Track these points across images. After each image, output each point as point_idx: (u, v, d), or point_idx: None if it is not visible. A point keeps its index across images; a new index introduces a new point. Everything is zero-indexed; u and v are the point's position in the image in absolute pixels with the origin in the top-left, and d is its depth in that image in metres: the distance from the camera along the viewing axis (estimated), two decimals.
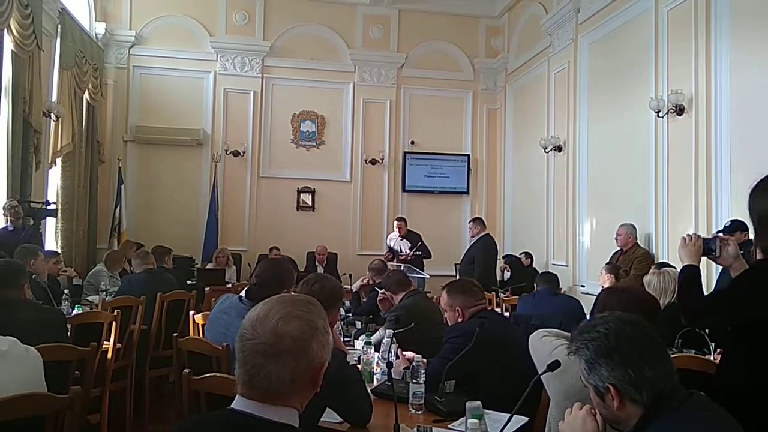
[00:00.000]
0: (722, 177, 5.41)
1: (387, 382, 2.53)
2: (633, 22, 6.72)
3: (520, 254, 8.59)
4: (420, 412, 2.46)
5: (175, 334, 3.11)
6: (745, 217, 4.85)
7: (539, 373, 1.99)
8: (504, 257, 8.90)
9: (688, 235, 2.13)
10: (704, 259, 2.15)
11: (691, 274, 2.05)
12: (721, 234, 2.14)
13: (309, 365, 1.25)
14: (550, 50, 8.52)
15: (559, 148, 8.18)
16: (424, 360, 2.68)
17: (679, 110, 5.75)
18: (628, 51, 6.78)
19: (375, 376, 3.00)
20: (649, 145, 6.28)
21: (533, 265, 8.38)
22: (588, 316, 2.07)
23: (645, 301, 2.16)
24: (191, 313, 4.09)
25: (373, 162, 9.97)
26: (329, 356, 1.31)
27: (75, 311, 4.37)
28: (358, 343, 3.68)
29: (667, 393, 1.47)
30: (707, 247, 2.09)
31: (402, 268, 6.26)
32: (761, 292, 1.81)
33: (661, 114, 5.96)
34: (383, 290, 4.22)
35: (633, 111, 6.56)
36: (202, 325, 3.66)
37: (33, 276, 4.21)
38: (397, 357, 3.06)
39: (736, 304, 1.89)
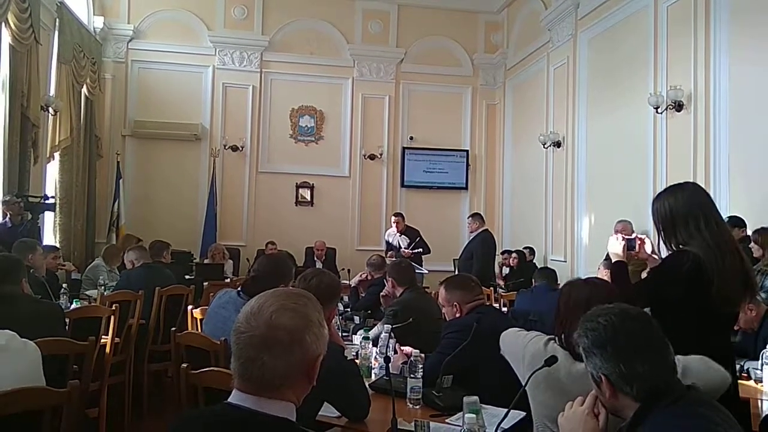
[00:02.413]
0: (720, 173, 5.41)
1: (385, 377, 2.53)
2: (632, 18, 6.71)
3: (524, 248, 8.57)
4: (418, 407, 2.47)
5: (173, 329, 3.11)
6: (743, 213, 4.88)
7: (536, 369, 2.00)
8: (503, 252, 8.91)
9: (617, 237, 2.52)
10: None
11: (620, 269, 2.43)
12: (639, 235, 2.53)
13: (303, 357, 1.25)
14: (549, 46, 8.51)
15: (557, 144, 8.19)
16: (422, 355, 2.68)
17: (678, 106, 5.76)
18: (627, 47, 6.78)
19: (373, 371, 3.00)
20: (647, 140, 6.29)
21: (533, 261, 8.39)
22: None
23: (606, 292, 2.18)
24: (189, 307, 4.09)
25: (372, 157, 9.97)
26: (324, 349, 1.31)
27: (73, 305, 4.38)
28: (357, 338, 3.68)
29: (661, 389, 1.48)
30: (630, 245, 2.49)
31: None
32: (666, 277, 2.25)
33: (659, 110, 5.97)
34: (388, 279, 4.22)
35: (632, 107, 6.56)
36: (201, 320, 3.66)
37: (31, 270, 4.21)
38: (395, 352, 3.06)
39: (652, 288, 2.31)
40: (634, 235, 2.52)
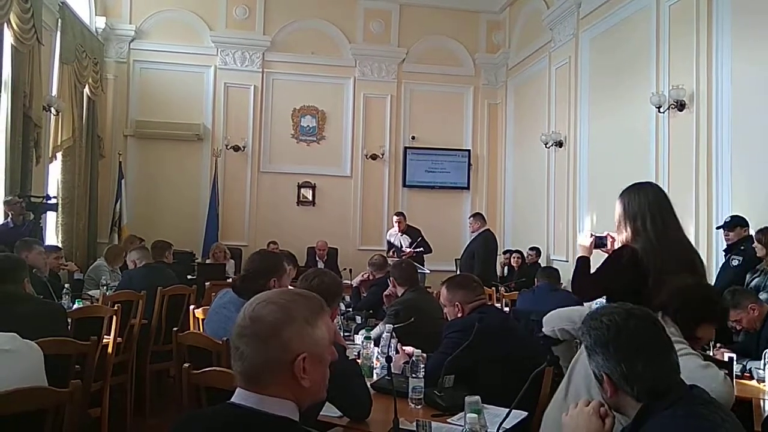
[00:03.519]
0: (723, 172, 5.40)
1: (386, 377, 2.53)
2: (634, 18, 6.70)
3: (530, 249, 8.52)
4: (419, 407, 2.47)
5: (175, 329, 3.11)
6: (746, 213, 4.87)
7: (538, 368, 2.00)
8: (505, 252, 8.91)
9: (585, 233, 2.71)
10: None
11: (583, 263, 2.62)
12: (611, 233, 2.62)
13: (281, 352, 1.24)
14: (551, 45, 8.50)
15: (559, 144, 8.18)
16: (424, 355, 2.68)
17: (680, 106, 5.75)
18: (629, 46, 6.77)
19: (375, 371, 3.00)
20: (649, 140, 6.28)
21: (537, 262, 8.36)
22: None
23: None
24: (191, 307, 4.10)
25: (374, 157, 9.97)
26: (313, 350, 1.28)
27: (75, 305, 4.38)
28: (358, 338, 3.68)
29: (662, 389, 1.48)
30: (599, 242, 2.64)
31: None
32: (607, 270, 2.45)
33: (662, 109, 5.96)
34: (390, 279, 4.22)
35: (634, 106, 6.55)
36: (202, 320, 3.66)
37: (33, 270, 4.21)
38: (397, 352, 3.06)
39: (603, 279, 2.49)
40: (605, 233, 2.64)
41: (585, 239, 2.67)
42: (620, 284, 2.38)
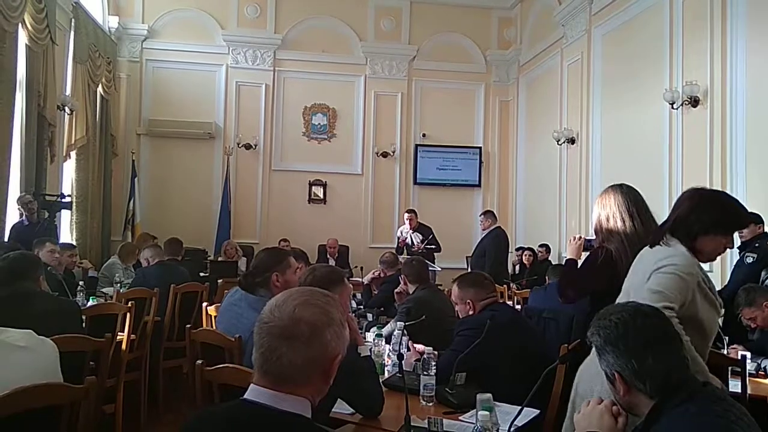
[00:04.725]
0: (737, 169, 5.35)
1: (398, 374, 2.54)
2: (647, 13, 6.64)
3: (540, 246, 8.50)
4: (431, 404, 2.47)
5: (188, 326, 3.12)
6: (760, 210, 4.82)
7: (551, 365, 1.99)
8: (517, 249, 8.87)
9: (574, 237, 2.85)
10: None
11: (569, 266, 2.79)
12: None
13: (321, 354, 1.26)
14: (563, 41, 8.45)
15: (572, 141, 8.13)
16: (435, 352, 2.68)
17: (694, 102, 5.69)
18: (642, 42, 6.71)
19: (386, 368, 3.01)
20: (663, 137, 6.22)
21: (548, 258, 8.33)
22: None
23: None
24: (204, 304, 4.12)
25: (385, 155, 9.97)
26: (344, 351, 1.33)
27: (90, 303, 4.43)
28: (370, 335, 3.69)
29: (675, 384, 1.47)
30: (589, 245, 2.75)
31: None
32: (591, 271, 2.56)
33: (675, 105, 5.91)
34: (401, 276, 4.24)
35: (647, 103, 6.50)
36: (215, 317, 3.68)
37: (48, 268, 4.26)
38: (408, 349, 3.07)
39: (580, 281, 2.63)
40: (593, 236, 2.70)
41: (574, 243, 2.78)
42: (599, 285, 2.46)
